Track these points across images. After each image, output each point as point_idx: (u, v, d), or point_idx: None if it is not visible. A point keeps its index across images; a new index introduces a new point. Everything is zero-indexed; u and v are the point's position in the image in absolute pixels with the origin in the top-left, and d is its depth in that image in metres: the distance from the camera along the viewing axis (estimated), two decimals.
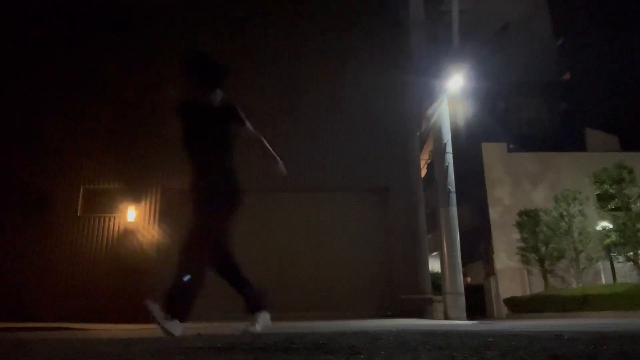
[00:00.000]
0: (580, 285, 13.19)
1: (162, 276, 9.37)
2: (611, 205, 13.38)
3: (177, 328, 2.81)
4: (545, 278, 14.12)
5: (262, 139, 3.21)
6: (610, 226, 13.19)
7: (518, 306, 13.56)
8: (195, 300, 2.98)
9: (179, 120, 3.13)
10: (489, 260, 17.29)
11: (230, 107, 3.14)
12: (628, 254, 12.78)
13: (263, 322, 3.03)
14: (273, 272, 9.14)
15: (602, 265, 15.23)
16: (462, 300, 9.94)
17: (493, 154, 17.69)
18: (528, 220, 14.49)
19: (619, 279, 14.63)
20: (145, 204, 9.89)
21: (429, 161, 19.71)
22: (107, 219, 9.79)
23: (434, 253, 13.71)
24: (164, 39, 10.83)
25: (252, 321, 3.02)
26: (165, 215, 9.89)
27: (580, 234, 13.56)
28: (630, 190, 12.97)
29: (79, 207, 9.85)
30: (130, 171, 10.07)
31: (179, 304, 2.89)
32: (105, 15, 11.06)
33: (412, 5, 11.78)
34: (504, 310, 14.69)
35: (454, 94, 11.63)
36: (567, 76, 23.28)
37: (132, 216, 9.73)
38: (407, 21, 11.60)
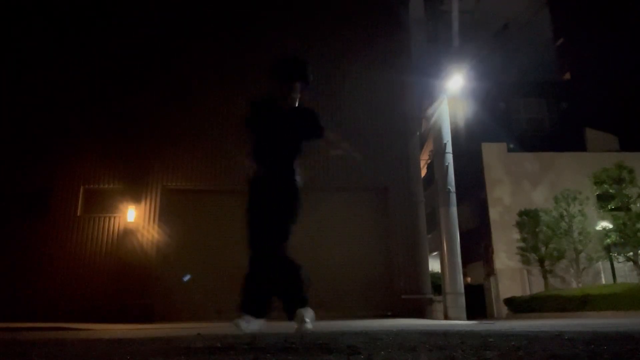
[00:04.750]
0: (580, 285, 13.18)
1: (162, 276, 9.42)
2: (611, 205, 13.37)
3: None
4: (545, 278, 14.10)
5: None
6: (610, 226, 13.18)
7: (518, 306, 13.54)
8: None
9: (254, 116, 3.11)
10: (489, 260, 17.27)
11: (314, 113, 3.09)
12: (628, 254, 12.78)
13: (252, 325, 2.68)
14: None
15: (602, 265, 15.22)
16: (462, 300, 9.94)
17: (493, 154, 17.68)
18: (528, 220, 14.47)
19: (619, 279, 14.62)
20: (145, 204, 9.89)
21: (429, 161, 19.69)
22: (107, 219, 9.79)
23: (434, 253, 13.70)
24: (159, 38, 10.83)
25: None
26: (165, 215, 9.89)
27: (580, 234, 13.54)
28: (630, 190, 12.97)
29: (79, 207, 9.85)
30: (130, 171, 10.06)
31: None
32: (106, 16, 11.06)
33: (412, 5, 11.79)
34: (504, 310, 14.67)
35: (454, 94, 11.64)
36: (567, 76, 23.25)
37: (132, 216, 9.72)
38: (407, 21, 11.60)
